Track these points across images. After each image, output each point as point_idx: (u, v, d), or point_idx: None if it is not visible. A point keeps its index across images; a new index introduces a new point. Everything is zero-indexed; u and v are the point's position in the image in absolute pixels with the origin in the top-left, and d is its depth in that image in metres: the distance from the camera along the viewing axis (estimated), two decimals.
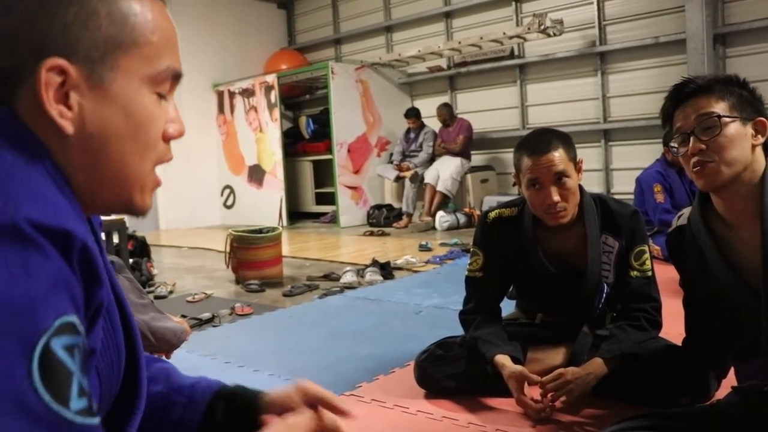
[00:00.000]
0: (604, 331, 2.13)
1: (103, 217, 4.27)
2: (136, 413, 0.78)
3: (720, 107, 1.47)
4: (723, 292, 1.54)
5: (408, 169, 7.85)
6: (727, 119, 1.45)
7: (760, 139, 1.48)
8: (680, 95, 1.53)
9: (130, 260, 4.67)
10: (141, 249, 5.10)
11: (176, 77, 0.75)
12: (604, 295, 2.16)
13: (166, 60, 0.73)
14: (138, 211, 0.75)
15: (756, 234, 1.44)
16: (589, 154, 7.16)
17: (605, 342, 2.03)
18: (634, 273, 2.12)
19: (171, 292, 4.45)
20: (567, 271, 2.17)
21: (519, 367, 2.00)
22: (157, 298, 4.25)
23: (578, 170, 2.08)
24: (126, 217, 5.26)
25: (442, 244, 5.99)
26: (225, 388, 0.94)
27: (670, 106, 1.56)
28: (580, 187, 2.12)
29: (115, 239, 4.34)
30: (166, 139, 0.75)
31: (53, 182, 0.64)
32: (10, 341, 0.52)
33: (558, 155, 2.01)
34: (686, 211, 1.67)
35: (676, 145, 1.54)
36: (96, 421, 0.57)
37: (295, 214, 8.98)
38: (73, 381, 0.55)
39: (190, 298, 4.16)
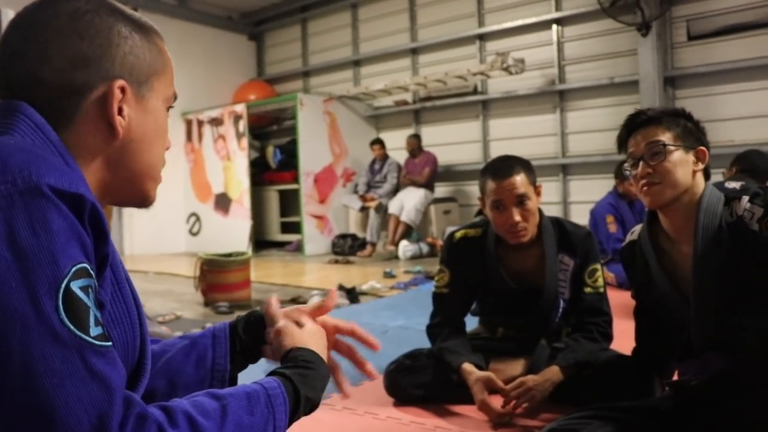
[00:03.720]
0: (560, 343, 2.31)
1: None
2: (142, 380, 0.90)
3: (666, 136, 1.68)
4: (662, 301, 1.74)
5: (372, 199, 8.02)
6: (672, 147, 1.66)
7: (700, 166, 1.70)
8: (633, 124, 1.75)
9: None
10: None
11: (175, 99, 0.97)
12: (560, 310, 2.34)
13: (173, 86, 0.95)
14: (150, 202, 0.95)
15: (692, 248, 1.64)
16: (548, 188, 7.40)
17: (561, 352, 2.20)
18: (588, 289, 2.31)
19: None
20: (526, 288, 2.35)
21: (487, 373, 2.16)
22: None
23: (537, 194, 2.28)
24: None
25: (406, 272, 6.14)
26: (240, 316, 1.13)
27: (624, 133, 1.77)
28: (539, 210, 2.31)
29: None
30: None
31: (69, 167, 0.79)
32: (40, 287, 0.67)
33: (519, 179, 2.21)
34: (638, 228, 1.88)
35: (628, 168, 1.74)
36: (110, 344, 0.72)
37: (261, 243, 9.06)
38: (90, 313, 0.70)
39: (160, 319, 4.22)
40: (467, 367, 2.19)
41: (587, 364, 2.14)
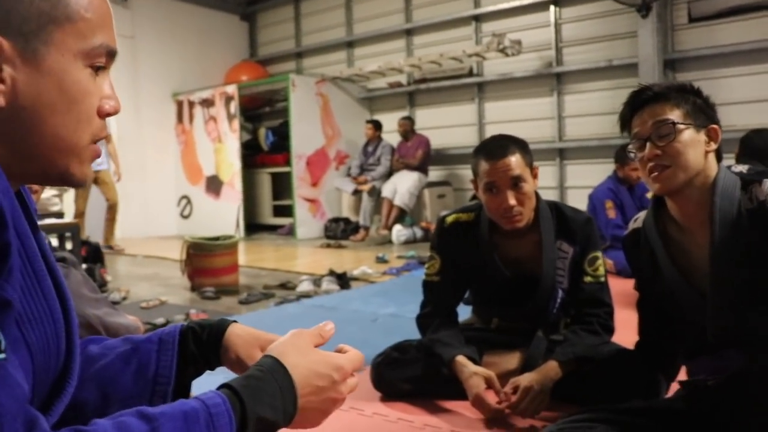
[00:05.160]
0: (558, 336, 2.17)
1: (56, 221, 4.12)
2: (67, 389, 0.77)
3: (675, 114, 1.53)
4: (671, 293, 1.60)
5: (366, 182, 7.88)
6: (682, 126, 1.51)
7: (713, 146, 1.54)
8: (637, 102, 1.59)
9: (83, 266, 4.59)
10: (95, 255, 5.01)
11: (111, 54, 0.76)
12: (559, 300, 2.20)
13: (100, 36, 0.74)
14: (76, 182, 0.76)
15: (707, 237, 1.50)
16: (544, 172, 7.28)
17: (560, 346, 2.07)
18: (588, 278, 2.17)
19: (125, 298, 4.38)
20: (522, 277, 2.21)
21: (486, 370, 2.03)
22: None
23: (534, 176, 2.13)
24: (79, 223, 5.17)
25: (399, 257, 6.02)
26: (191, 322, 0.96)
27: (627, 112, 1.61)
28: (536, 194, 2.16)
29: (69, 245, 4.26)
30: (102, 114, 0.76)
31: None
32: None
33: (515, 160, 2.06)
34: (642, 214, 1.73)
35: (633, 150, 1.60)
36: (2, 356, 0.58)
37: (253, 226, 8.92)
38: None
39: (144, 305, 4.10)
40: (461, 359, 2.06)
41: (587, 359, 2.01)
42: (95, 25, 0.73)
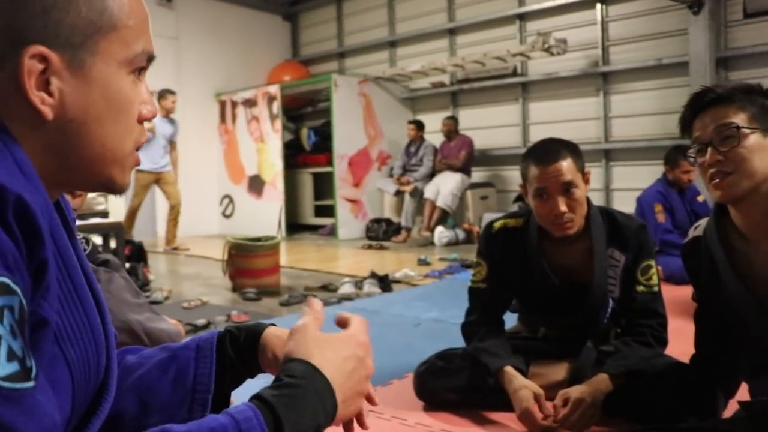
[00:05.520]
0: (608, 346, 2.08)
1: (100, 221, 4.16)
2: (104, 405, 0.75)
3: (740, 118, 1.44)
4: (734, 306, 1.51)
5: (408, 183, 7.83)
6: (747, 130, 1.43)
7: None
8: (699, 104, 1.51)
9: (127, 264, 4.63)
10: (138, 254, 5.06)
11: (150, 59, 0.76)
12: (609, 309, 2.12)
13: (141, 43, 0.73)
14: (117, 189, 0.76)
15: None
16: None
17: (611, 358, 1.98)
18: (641, 288, 2.08)
19: (167, 298, 4.41)
20: (572, 285, 2.13)
21: (535, 384, 1.97)
22: (152, 303, 4.19)
23: (586, 181, 2.05)
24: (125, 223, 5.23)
25: (441, 259, 5.96)
26: (229, 326, 0.94)
27: (688, 114, 1.53)
28: (587, 199, 2.09)
29: (113, 244, 4.31)
30: (141, 120, 0.76)
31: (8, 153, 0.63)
32: None
33: (566, 165, 1.98)
34: (703, 221, 1.64)
35: (693, 154, 1.51)
36: (30, 384, 0.55)
37: (294, 226, 8.95)
38: (1, 345, 0.53)
39: (185, 305, 4.12)
40: (510, 370, 1.99)
41: (640, 373, 1.92)
42: (137, 31, 0.73)
